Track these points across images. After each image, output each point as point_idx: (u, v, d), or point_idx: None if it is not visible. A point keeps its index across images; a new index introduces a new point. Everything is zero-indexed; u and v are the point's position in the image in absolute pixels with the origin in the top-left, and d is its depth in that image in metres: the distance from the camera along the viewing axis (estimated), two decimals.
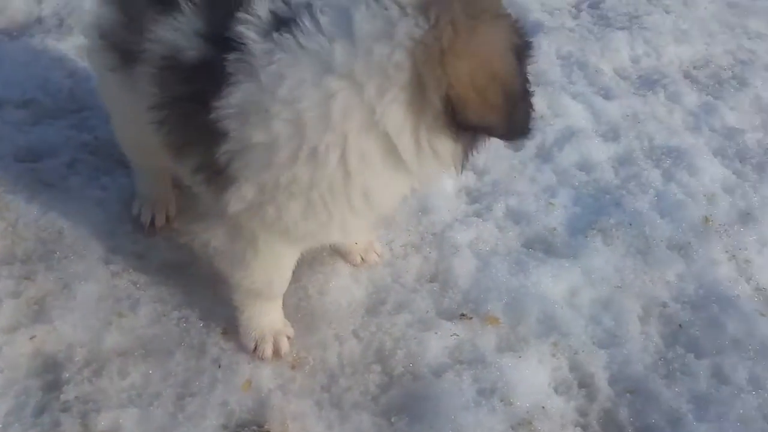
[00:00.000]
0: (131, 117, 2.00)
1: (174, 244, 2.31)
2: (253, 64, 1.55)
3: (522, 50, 1.58)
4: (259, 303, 2.02)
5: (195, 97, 1.66)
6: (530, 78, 1.65)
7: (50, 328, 1.98)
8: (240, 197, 1.67)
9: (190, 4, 1.74)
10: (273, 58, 1.53)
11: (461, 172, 1.68)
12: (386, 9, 1.47)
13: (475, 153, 1.66)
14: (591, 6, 4.49)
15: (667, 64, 3.93)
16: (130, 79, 1.90)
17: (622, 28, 4.14)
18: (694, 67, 3.96)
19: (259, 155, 1.58)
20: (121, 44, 1.90)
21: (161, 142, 1.84)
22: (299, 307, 2.19)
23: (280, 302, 2.07)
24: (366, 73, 1.47)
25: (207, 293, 2.16)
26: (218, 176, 1.68)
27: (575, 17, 4.34)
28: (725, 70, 3.93)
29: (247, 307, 2.02)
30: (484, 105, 1.48)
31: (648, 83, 3.68)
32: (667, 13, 4.42)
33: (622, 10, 4.42)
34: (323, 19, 1.52)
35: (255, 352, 2.02)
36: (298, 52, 1.52)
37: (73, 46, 3.19)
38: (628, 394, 2.11)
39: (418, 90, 1.47)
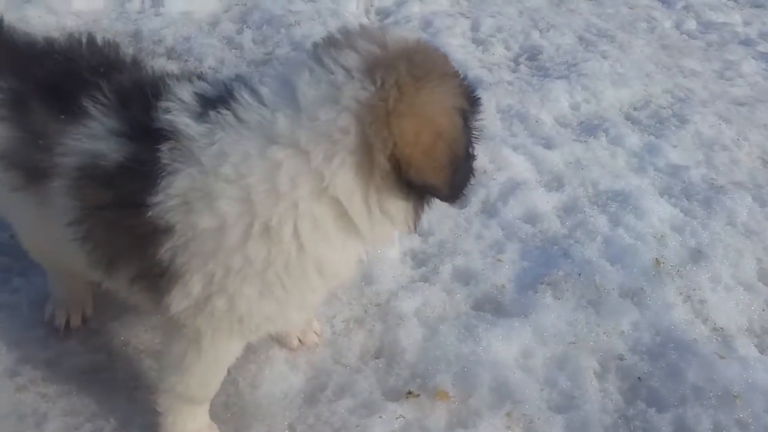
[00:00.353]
0: (42, 233, 1.86)
1: (90, 347, 2.12)
2: (192, 148, 1.48)
3: (468, 112, 1.54)
4: (188, 407, 1.85)
5: (123, 201, 1.55)
6: (476, 140, 1.61)
7: None
8: (185, 294, 1.55)
9: (98, 106, 1.64)
10: (213, 138, 1.47)
11: (415, 231, 1.62)
12: (331, 73, 1.45)
13: (426, 210, 1.61)
14: (529, 58, 4.55)
15: (607, 108, 3.95)
16: (39, 196, 1.76)
17: (560, 77, 4.18)
18: (634, 109, 3.98)
19: (208, 242, 1.48)
20: (25, 163, 1.76)
21: (85, 260, 1.69)
22: (228, 405, 2.01)
23: (208, 404, 1.90)
24: (312, 140, 1.43)
25: (124, 400, 1.97)
26: (160, 279, 1.55)
27: (514, 70, 4.38)
28: (665, 108, 3.97)
29: (172, 412, 1.84)
30: (429, 164, 1.45)
31: (589, 129, 3.67)
32: (604, 58, 4.49)
33: (559, 59, 4.48)
34: (264, 90, 1.49)
35: None
36: (238, 127, 1.47)
37: None
38: None
39: (365, 152, 1.43)
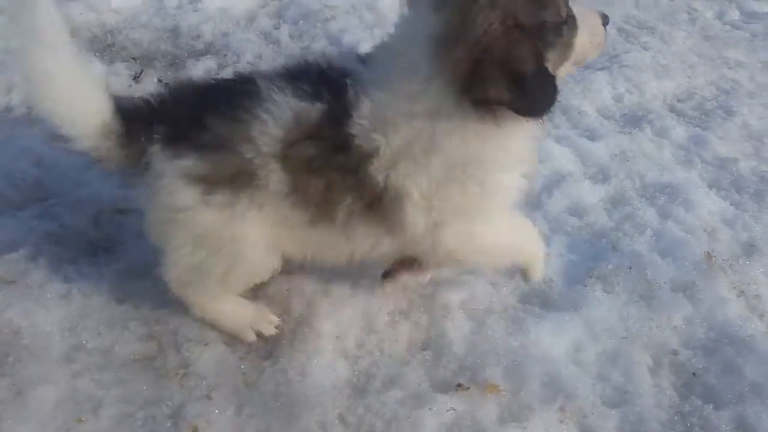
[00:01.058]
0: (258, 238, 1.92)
1: (140, 335, 2.13)
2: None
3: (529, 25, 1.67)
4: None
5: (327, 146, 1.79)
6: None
7: None
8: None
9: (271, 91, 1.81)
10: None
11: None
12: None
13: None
14: None
15: (650, 100, 3.87)
16: (252, 199, 1.84)
17: (601, 69, 4.10)
18: (678, 101, 3.90)
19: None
20: (227, 170, 1.82)
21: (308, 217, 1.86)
22: (278, 394, 2.00)
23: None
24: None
25: (175, 387, 1.97)
26: (379, 203, 1.81)
27: None
28: (710, 100, 3.88)
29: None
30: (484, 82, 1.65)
31: (633, 120, 3.60)
32: (646, 49, 4.41)
33: None
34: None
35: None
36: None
37: (41, 134, 3.09)
38: None
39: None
